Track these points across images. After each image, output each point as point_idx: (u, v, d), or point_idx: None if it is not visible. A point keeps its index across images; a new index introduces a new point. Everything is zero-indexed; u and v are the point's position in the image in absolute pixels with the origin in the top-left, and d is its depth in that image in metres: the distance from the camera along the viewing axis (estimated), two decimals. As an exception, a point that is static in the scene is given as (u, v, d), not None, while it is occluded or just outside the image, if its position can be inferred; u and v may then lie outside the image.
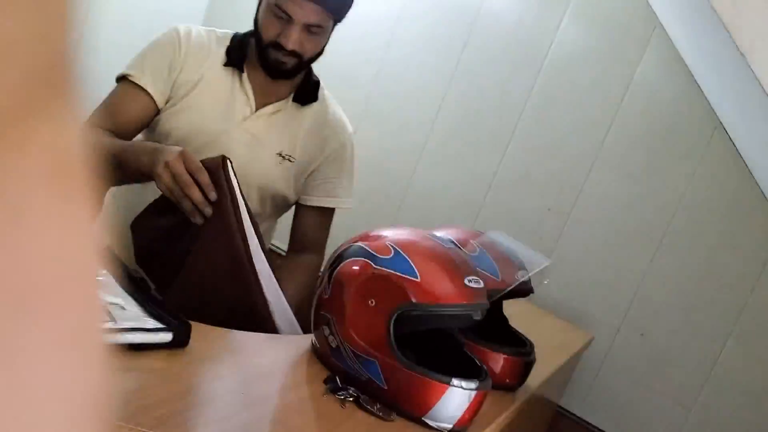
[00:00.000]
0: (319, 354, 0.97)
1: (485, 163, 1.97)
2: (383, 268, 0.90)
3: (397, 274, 0.89)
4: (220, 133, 1.30)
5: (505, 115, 1.94)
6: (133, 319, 0.80)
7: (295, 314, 1.21)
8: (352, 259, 0.94)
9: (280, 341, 1.05)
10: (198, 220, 1.07)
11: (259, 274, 1.11)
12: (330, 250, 1.09)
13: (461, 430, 0.88)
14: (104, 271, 0.91)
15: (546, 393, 1.53)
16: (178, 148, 1.10)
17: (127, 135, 1.29)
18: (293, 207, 1.47)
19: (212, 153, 1.22)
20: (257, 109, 1.34)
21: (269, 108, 1.34)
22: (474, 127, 1.99)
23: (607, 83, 1.82)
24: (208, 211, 1.07)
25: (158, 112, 1.31)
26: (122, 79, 1.30)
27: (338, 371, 0.91)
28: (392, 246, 0.92)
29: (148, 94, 1.29)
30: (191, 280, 1.10)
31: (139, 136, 1.36)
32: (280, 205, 1.42)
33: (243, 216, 1.10)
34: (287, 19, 1.22)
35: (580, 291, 1.85)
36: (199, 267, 1.11)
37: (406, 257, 0.90)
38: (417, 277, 0.88)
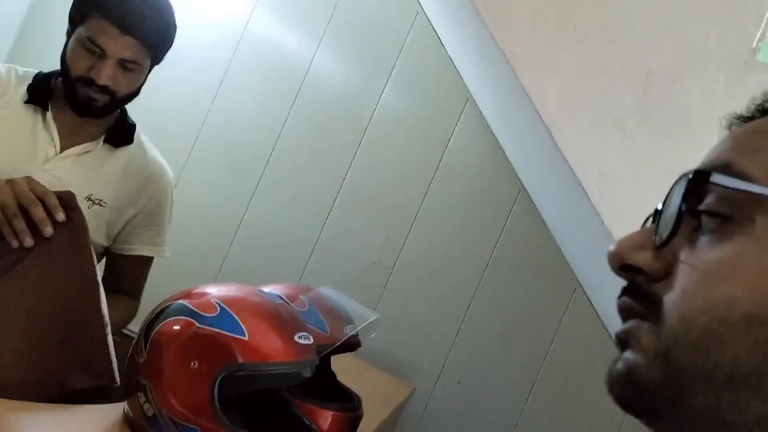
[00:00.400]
0: (133, 425, 0.88)
1: (312, 217, 1.99)
2: (208, 327, 0.85)
3: (223, 332, 0.84)
4: (16, 174, 1.17)
5: (331, 172, 1.99)
6: None
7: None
8: (173, 318, 0.87)
9: (86, 412, 0.94)
10: (28, 242, 0.96)
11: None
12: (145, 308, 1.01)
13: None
14: None
15: (372, 447, 1.54)
16: (22, 177, 1.01)
17: None
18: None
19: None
20: (63, 149, 1.24)
21: (77, 148, 1.26)
22: (300, 182, 2.01)
23: (426, 147, 1.95)
24: (49, 231, 0.97)
25: None
26: None
27: (153, 442, 0.83)
28: (218, 303, 0.88)
29: None
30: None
31: None
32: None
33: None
34: (100, 54, 1.16)
35: (402, 342, 1.91)
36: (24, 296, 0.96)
37: (233, 314, 0.86)
38: (245, 335, 0.84)
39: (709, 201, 0.37)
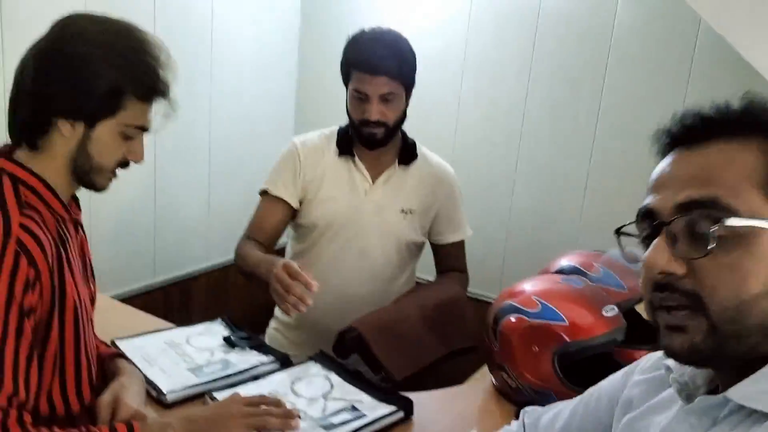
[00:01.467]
0: (503, 392, 1.24)
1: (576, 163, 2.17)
2: (536, 320, 1.16)
3: (549, 323, 1.14)
4: (353, 211, 1.60)
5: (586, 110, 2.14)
6: (372, 408, 1.11)
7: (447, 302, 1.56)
8: (508, 316, 1.20)
9: (463, 390, 1.33)
10: (301, 309, 1.23)
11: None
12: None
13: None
14: (334, 375, 1.23)
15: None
16: (282, 261, 1.30)
17: (274, 236, 1.62)
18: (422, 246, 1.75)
19: (351, 227, 1.59)
20: (373, 181, 1.61)
21: (382, 177, 1.61)
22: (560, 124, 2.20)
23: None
24: (309, 302, 1.23)
25: (296, 211, 1.63)
26: (263, 193, 1.63)
27: (522, 404, 1.18)
28: (537, 299, 1.18)
29: (283, 200, 1.60)
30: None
31: (290, 231, 1.69)
32: (414, 250, 1.70)
33: None
34: (365, 98, 1.48)
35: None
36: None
37: (552, 307, 1.16)
38: (565, 322, 1.14)
39: (717, 230, 0.58)
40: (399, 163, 1.62)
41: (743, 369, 0.60)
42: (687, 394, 0.67)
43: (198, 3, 2.18)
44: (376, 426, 1.06)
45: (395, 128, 1.56)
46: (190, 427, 0.96)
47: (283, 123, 2.68)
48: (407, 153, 1.64)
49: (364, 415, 1.08)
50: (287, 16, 2.58)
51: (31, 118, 0.94)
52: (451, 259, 1.74)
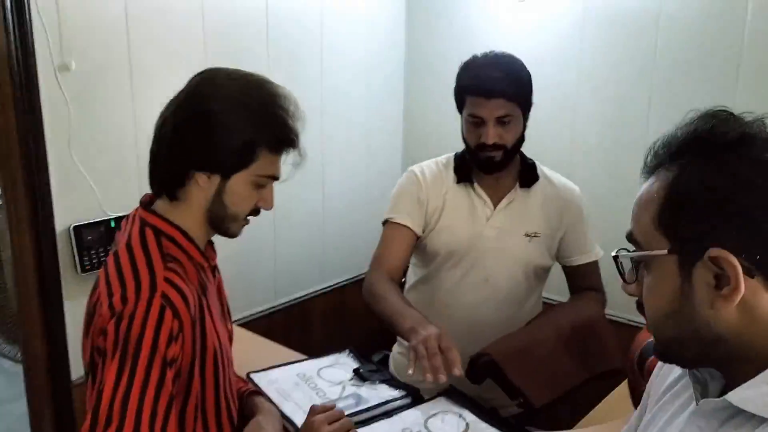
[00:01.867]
0: None
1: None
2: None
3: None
4: (475, 238, 1.56)
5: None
6: None
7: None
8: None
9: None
10: (429, 378, 1.14)
11: None
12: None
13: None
14: (468, 412, 1.20)
15: None
16: (435, 329, 1.22)
17: (402, 266, 1.59)
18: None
19: (474, 255, 1.54)
20: (494, 206, 1.56)
21: (503, 202, 1.56)
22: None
23: None
24: (442, 378, 1.14)
25: (418, 238, 1.60)
26: (386, 222, 1.61)
27: None
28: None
29: (408, 227, 1.58)
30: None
31: (412, 257, 1.65)
32: (541, 274, 1.63)
33: None
34: (481, 122, 1.44)
35: None
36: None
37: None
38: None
39: (632, 260, 0.71)
40: (520, 185, 1.57)
41: (749, 370, 0.63)
42: (702, 388, 0.70)
43: (307, 20, 2.24)
44: None
45: (514, 151, 1.51)
46: None
47: (392, 148, 2.70)
48: (527, 174, 1.59)
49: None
50: (392, 37, 2.60)
51: (171, 171, 0.99)
52: (584, 279, 1.66)
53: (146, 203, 1.04)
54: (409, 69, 2.65)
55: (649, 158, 0.70)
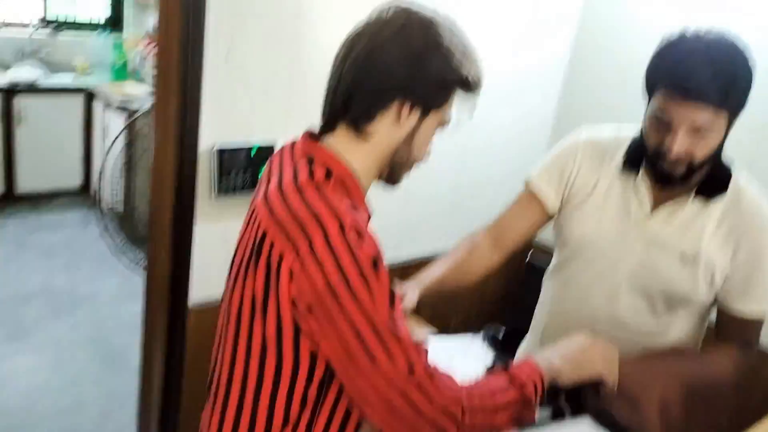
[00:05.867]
0: None
1: None
2: None
3: None
4: (616, 238, 1.28)
5: None
6: None
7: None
8: None
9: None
10: None
11: None
12: None
13: None
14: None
15: None
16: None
17: (516, 237, 1.39)
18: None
19: (608, 259, 1.28)
20: (653, 209, 1.26)
21: (667, 208, 1.25)
22: None
23: None
24: None
25: (550, 217, 1.38)
26: (526, 184, 1.39)
27: None
28: None
29: (539, 198, 1.36)
30: None
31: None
32: (685, 306, 1.29)
33: None
34: (668, 125, 1.12)
35: None
36: None
37: None
38: None
39: None
40: (696, 193, 1.23)
41: None
42: None
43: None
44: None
45: (700, 166, 1.17)
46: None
47: (543, 118, 2.44)
48: (713, 183, 1.23)
49: None
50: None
51: (371, 98, 0.89)
52: (737, 333, 1.28)
53: (311, 137, 0.95)
54: (581, 35, 2.34)
55: None
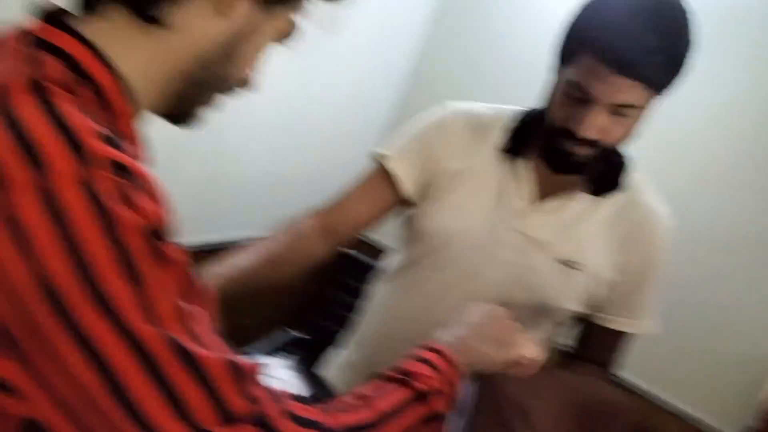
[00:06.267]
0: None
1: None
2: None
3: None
4: (485, 236, 1.06)
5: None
6: None
7: None
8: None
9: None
10: None
11: None
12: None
13: None
14: None
15: None
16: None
17: (357, 223, 1.13)
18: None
19: (471, 261, 1.06)
20: (535, 201, 1.06)
21: (552, 202, 1.05)
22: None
23: None
24: None
25: (400, 205, 1.13)
26: (375, 159, 1.12)
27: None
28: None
29: (393, 179, 1.09)
30: None
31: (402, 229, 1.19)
32: (560, 321, 1.12)
33: None
34: (586, 100, 0.91)
35: None
36: None
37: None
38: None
39: None
40: (588, 189, 1.06)
41: None
42: None
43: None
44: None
45: (604, 153, 0.98)
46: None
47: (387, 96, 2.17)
48: (607, 177, 1.05)
49: None
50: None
51: None
52: (598, 350, 1.14)
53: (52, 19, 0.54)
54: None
55: None
